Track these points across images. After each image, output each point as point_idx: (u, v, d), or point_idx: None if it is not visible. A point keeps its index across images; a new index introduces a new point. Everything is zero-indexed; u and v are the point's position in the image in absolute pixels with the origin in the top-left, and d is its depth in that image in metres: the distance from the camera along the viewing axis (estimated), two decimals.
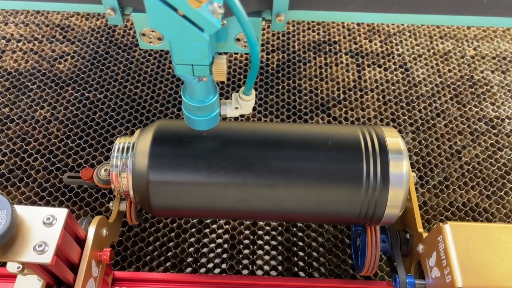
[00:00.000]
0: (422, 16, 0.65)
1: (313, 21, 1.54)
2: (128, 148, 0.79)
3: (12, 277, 0.80)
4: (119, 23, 0.64)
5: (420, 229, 0.84)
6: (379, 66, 1.43)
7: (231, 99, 0.74)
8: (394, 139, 0.79)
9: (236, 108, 0.73)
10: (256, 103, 1.32)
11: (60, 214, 0.66)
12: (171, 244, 1.06)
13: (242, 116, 1.29)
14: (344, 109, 1.31)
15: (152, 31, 0.64)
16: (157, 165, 0.76)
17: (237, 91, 0.72)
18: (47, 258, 0.62)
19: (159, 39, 0.65)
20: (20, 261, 0.62)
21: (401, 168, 0.76)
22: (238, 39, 0.64)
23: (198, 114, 0.70)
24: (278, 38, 1.50)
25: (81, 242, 0.74)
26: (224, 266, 1.03)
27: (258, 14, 0.63)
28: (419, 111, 1.32)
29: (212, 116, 0.71)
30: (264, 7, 0.62)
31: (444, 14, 0.65)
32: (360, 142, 0.78)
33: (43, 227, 0.64)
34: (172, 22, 0.49)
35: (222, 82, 1.36)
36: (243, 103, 0.72)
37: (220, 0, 0.48)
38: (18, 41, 1.44)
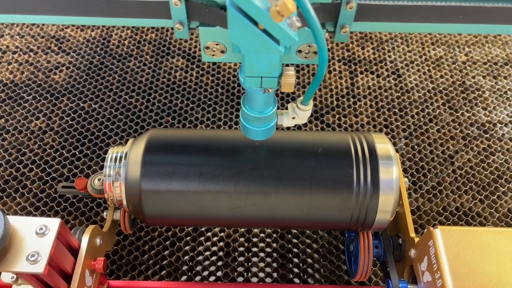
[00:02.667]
0: (485, 26, 0.66)
1: None
2: (121, 157, 0.80)
3: (6, 287, 0.80)
4: (185, 37, 0.65)
5: (412, 234, 0.84)
6: (372, 73, 1.44)
7: (286, 109, 0.75)
8: (384, 145, 0.80)
9: (293, 118, 0.73)
10: None
11: (53, 224, 0.66)
12: (166, 252, 1.06)
13: (236, 124, 1.30)
14: (337, 116, 1.32)
15: (216, 44, 0.65)
16: (149, 174, 0.77)
17: (294, 101, 0.72)
18: (39, 268, 0.62)
19: (222, 52, 0.66)
20: (13, 271, 0.63)
21: (391, 174, 0.77)
22: (299, 51, 0.66)
23: (256, 124, 0.71)
24: None
25: (75, 252, 0.74)
26: (219, 273, 1.03)
27: (322, 26, 0.65)
28: (412, 116, 1.33)
29: (269, 127, 0.72)
30: (328, 19, 0.64)
31: (509, 24, 0.66)
32: (350, 148, 0.79)
33: (36, 237, 0.65)
34: (252, 35, 0.50)
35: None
36: (300, 113, 0.72)
37: (295, 13, 0.49)
38: (14, 52, 1.45)
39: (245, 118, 0.71)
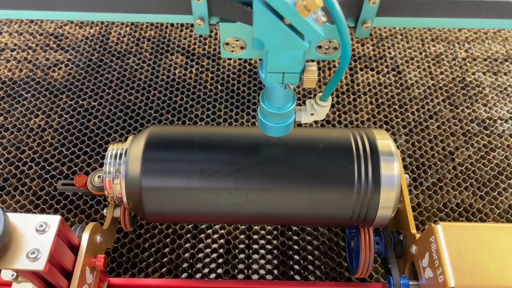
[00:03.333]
0: (508, 21, 0.66)
1: None
2: (121, 154, 0.80)
3: (7, 285, 0.80)
4: (205, 33, 0.65)
5: (413, 230, 0.84)
6: (372, 70, 1.44)
7: (305, 105, 0.74)
8: (385, 141, 0.80)
9: (312, 114, 0.73)
10: (249, 107, 1.32)
11: (53, 221, 0.66)
12: (166, 250, 1.06)
13: (236, 121, 1.30)
14: (337, 113, 1.32)
15: (236, 40, 0.65)
16: (149, 171, 0.77)
17: (312, 98, 0.72)
18: (40, 265, 0.62)
19: (242, 48, 0.66)
20: (13, 268, 0.62)
21: (392, 170, 0.77)
22: (319, 47, 0.66)
23: (274, 120, 0.70)
24: None
25: (75, 249, 0.74)
26: (219, 271, 1.03)
27: None
28: (412, 113, 1.33)
29: (287, 124, 0.71)
30: (350, 15, 0.63)
31: None
32: (351, 144, 0.79)
33: (36, 234, 0.65)
34: (277, 31, 0.50)
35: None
36: (319, 109, 0.72)
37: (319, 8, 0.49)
38: (12, 50, 1.45)
39: (264, 114, 0.71)
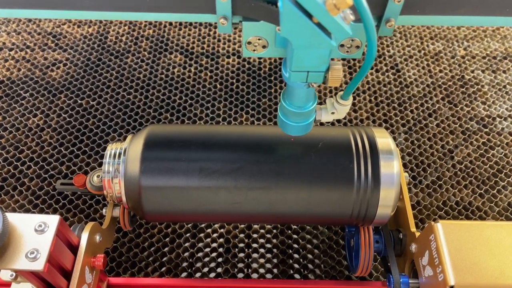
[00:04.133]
0: None
1: None
2: (120, 153, 0.79)
3: (6, 285, 0.80)
4: (228, 32, 0.65)
5: (413, 229, 0.84)
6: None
7: (325, 104, 0.74)
8: (384, 140, 0.80)
9: (333, 113, 0.73)
10: (248, 106, 1.32)
11: (52, 221, 0.66)
12: (166, 249, 1.05)
13: (235, 120, 1.30)
14: None
15: (259, 39, 0.65)
16: (149, 170, 0.76)
17: (333, 96, 0.72)
18: (39, 265, 0.62)
19: (264, 47, 0.66)
20: (12, 268, 0.62)
21: (391, 168, 0.77)
22: (342, 45, 0.66)
23: (295, 119, 0.70)
24: None
25: (74, 249, 0.73)
26: (219, 270, 1.03)
27: None
28: (411, 111, 1.33)
29: (308, 123, 0.71)
30: (373, 13, 0.63)
31: None
32: (351, 143, 0.79)
33: (35, 234, 0.64)
34: (305, 29, 0.50)
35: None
36: (340, 108, 0.71)
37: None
38: (10, 49, 1.44)
39: (284, 113, 0.70)
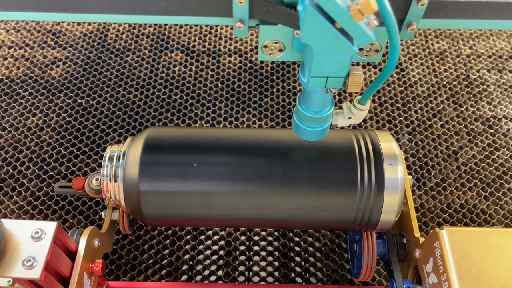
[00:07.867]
0: None
1: None
2: (118, 156, 0.78)
3: None
4: (244, 36, 0.65)
5: (417, 234, 0.83)
6: (374, 67, 1.42)
7: (341, 108, 0.73)
8: (388, 144, 0.78)
9: (350, 118, 0.72)
10: (250, 106, 1.31)
11: (49, 227, 0.64)
12: (166, 251, 1.04)
13: (236, 120, 1.28)
14: None
15: (275, 43, 0.64)
16: (147, 174, 0.75)
17: (350, 101, 0.70)
18: (35, 273, 0.61)
19: (280, 50, 0.65)
20: (9, 276, 0.61)
21: (396, 173, 0.75)
22: (361, 49, 0.65)
23: (311, 124, 0.69)
24: None
25: (72, 255, 0.72)
26: (220, 273, 1.02)
27: None
28: (415, 111, 1.31)
29: (324, 128, 0.70)
30: (396, 17, 0.62)
31: None
32: (354, 147, 0.77)
33: (31, 241, 0.63)
34: (327, 35, 0.48)
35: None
36: (357, 112, 0.70)
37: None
38: (9, 47, 1.43)
39: (300, 117, 0.69)
